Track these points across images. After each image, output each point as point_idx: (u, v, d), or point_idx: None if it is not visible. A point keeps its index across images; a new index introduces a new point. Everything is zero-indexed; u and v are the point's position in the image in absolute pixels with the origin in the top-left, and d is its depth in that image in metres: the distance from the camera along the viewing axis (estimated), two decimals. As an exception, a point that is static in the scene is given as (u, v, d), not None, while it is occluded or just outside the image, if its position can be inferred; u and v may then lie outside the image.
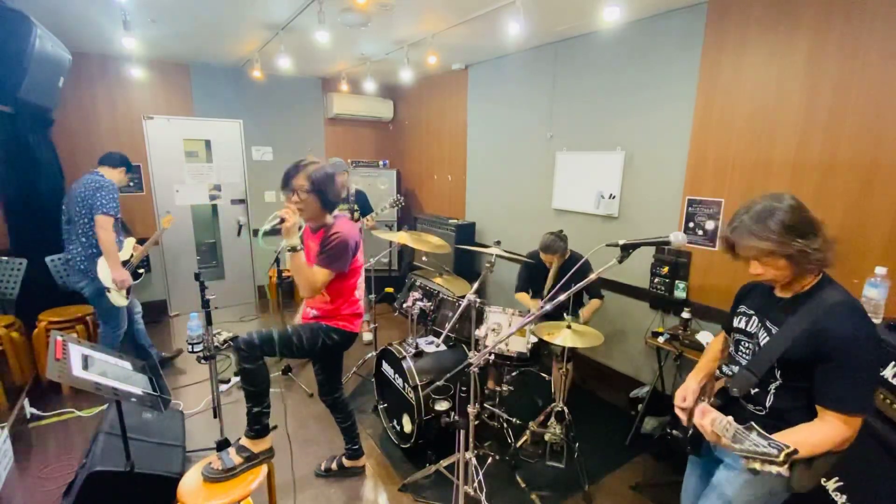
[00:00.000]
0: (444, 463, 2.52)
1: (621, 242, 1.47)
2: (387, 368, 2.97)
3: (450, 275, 3.20)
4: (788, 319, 1.32)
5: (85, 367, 1.77)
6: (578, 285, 1.62)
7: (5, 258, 3.65)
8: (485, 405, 2.94)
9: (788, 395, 1.33)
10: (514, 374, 3.11)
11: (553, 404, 2.79)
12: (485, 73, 4.62)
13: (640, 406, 3.11)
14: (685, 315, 2.87)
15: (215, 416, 2.38)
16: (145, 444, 2.33)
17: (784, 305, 1.37)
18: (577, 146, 3.74)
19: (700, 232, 2.96)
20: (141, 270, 3.45)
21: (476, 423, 2.16)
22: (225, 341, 2.44)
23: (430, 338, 3.02)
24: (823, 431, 1.22)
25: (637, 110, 3.26)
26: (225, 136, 5.23)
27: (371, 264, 3.66)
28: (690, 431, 1.46)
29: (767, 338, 1.37)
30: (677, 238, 1.40)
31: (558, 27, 3.42)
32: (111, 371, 1.88)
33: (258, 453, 2.01)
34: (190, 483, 1.90)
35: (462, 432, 1.99)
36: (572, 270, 1.71)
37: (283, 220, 1.95)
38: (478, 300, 2.47)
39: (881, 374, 1.66)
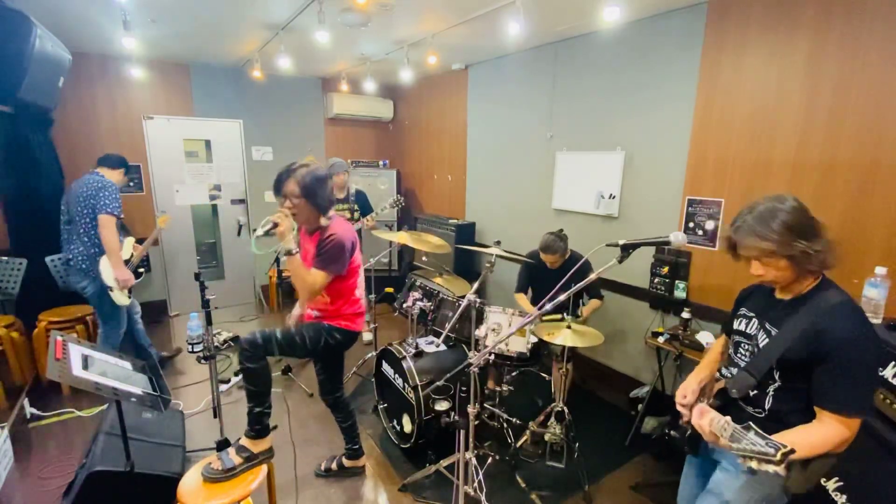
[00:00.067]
0: (444, 463, 2.52)
1: (621, 242, 1.47)
2: (387, 368, 2.97)
3: (450, 275, 3.20)
4: (788, 321, 1.32)
5: (85, 367, 1.77)
6: (578, 285, 1.62)
7: (5, 258, 3.66)
8: (485, 405, 2.94)
9: (787, 396, 1.33)
10: (514, 374, 3.11)
11: (553, 404, 2.79)
12: (485, 73, 4.62)
13: (640, 406, 3.11)
14: (685, 315, 2.87)
15: (215, 416, 2.39)
16: (145, 444, 2.33)
17: (784, 307, 1.37)
18: (577, 146, 3.74)
19: (700, 232, 2.96)
20: (141, 270, 3.47)
21: (476, 423, 2.16)
22: (225, 341, 2.44)
23: (430, 338, 3.02)
24: (822, 433, 1.22)
25: (637, 110, 3.26)
26: (225, 136, 5.24)
27: (371, 264, 3.66)
28: (688, 431, 1.46)
29: (766, 339, 1.37)
30: (677, 238, 1.41)
31: (558, 27, 3.42)
32: (111, 371, 1.88)
33: (258, 453, 2.01)
34: (190, 483, 1.90)
35: (462, 432, 2.00)
36: (572, 270, 1.71)
37: (276, 225, 1.95)
38: (478, 300, 2.48)
39: (881, 374, 1.66)
